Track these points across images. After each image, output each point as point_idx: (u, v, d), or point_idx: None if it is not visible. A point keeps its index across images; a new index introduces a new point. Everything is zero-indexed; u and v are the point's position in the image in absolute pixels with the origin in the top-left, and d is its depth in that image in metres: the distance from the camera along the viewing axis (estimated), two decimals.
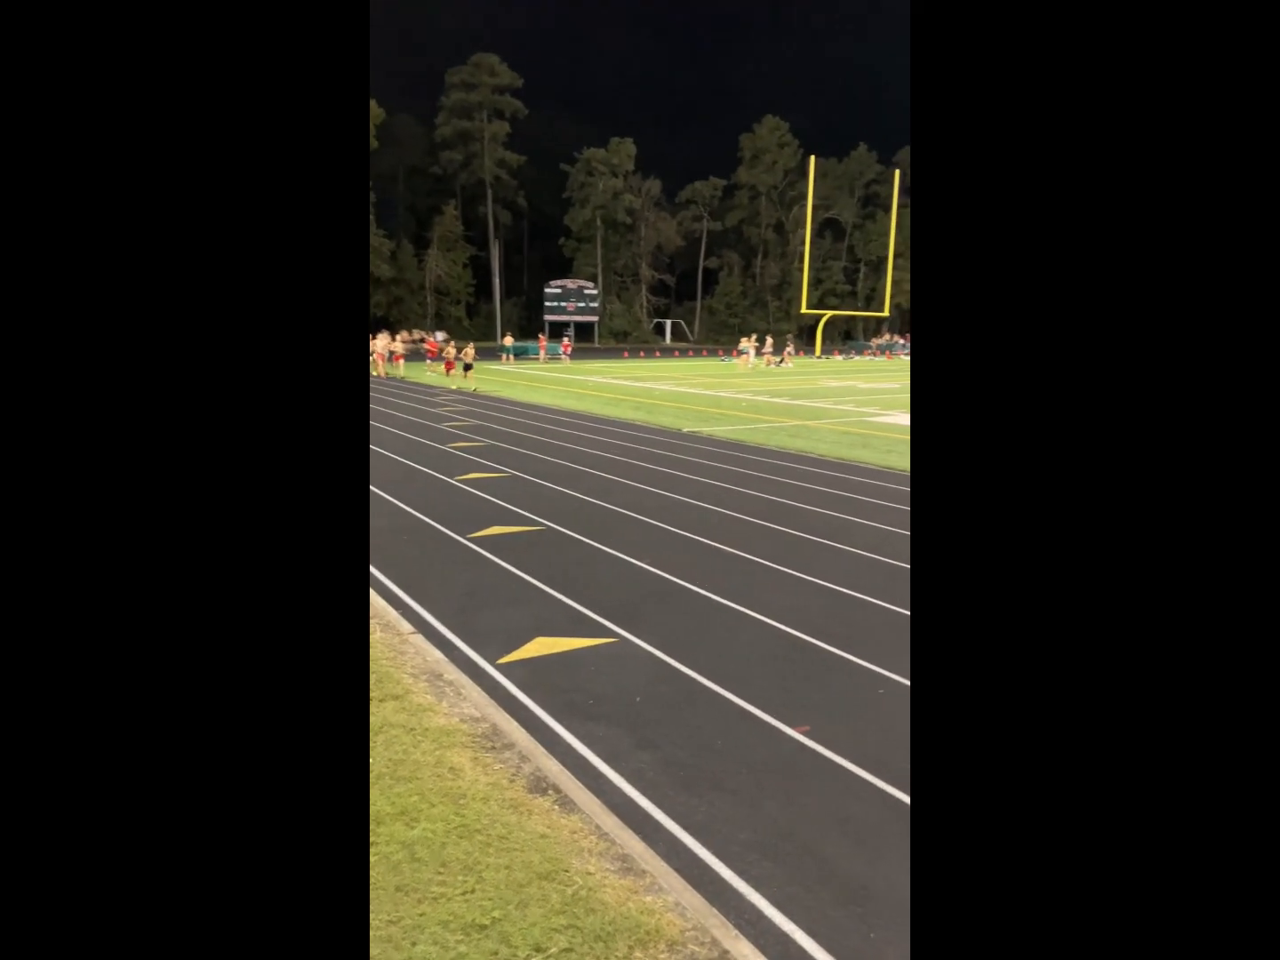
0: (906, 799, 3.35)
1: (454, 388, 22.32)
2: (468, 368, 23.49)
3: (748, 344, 35.86)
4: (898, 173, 50.79)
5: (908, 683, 4.44)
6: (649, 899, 2.71)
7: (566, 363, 18.82)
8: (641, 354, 43.67)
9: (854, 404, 19.89)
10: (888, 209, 51.86)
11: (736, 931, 2.59)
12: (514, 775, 3.46)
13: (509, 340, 36.14)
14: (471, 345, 25.51)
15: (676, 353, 47.55)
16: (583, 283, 53.95)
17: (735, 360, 36.88)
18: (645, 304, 61.65)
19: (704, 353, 48.33)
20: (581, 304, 52.75)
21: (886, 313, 50.91)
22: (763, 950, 2.52)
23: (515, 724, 3.92)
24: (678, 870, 2.89)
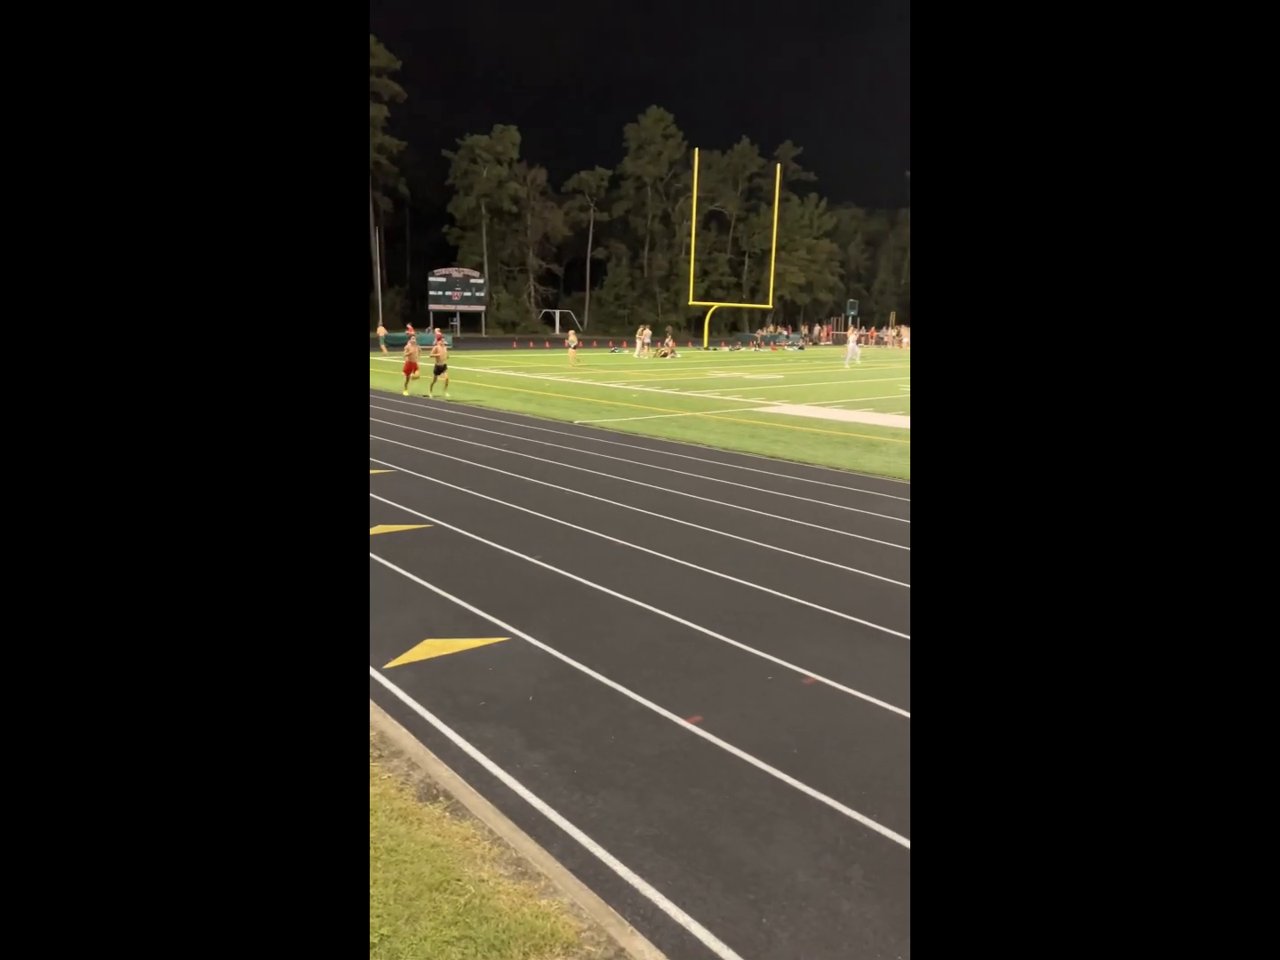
0: (795, 783, 3.44)
1: (407, 395, 17.83)
2: (440, 369, 17.94)
3: (643, 334, 36.24)
4: (779, 167, 52.04)
5: (796, 668, 4.56)
6: (544, 902, 2.68)
7: (443, 353, 17.77)
8: (531, 344, 43.23)
9: (741, 395, 20.29)
10: (770, 202, 53.04)
11: (632, 928, 2.60)
12: (403, 783, 3.36)
13: (382, 331, 35.09)
14: (441, 341, 18.99)
15: (566, 343, 47.32)
16: (468, 272, 52.89)
17: (631, 351, 37.04)
18: (533, 294, 61.03)
19: (594, 344, 48.29)
20: (467, 294, 51.71)
21: (771, 305, 52.13)
22: (658, 945, 2.54)
23: (404, 730, 3.81)
24: (573, 870, 2.87)
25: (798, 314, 70.60)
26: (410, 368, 18.44)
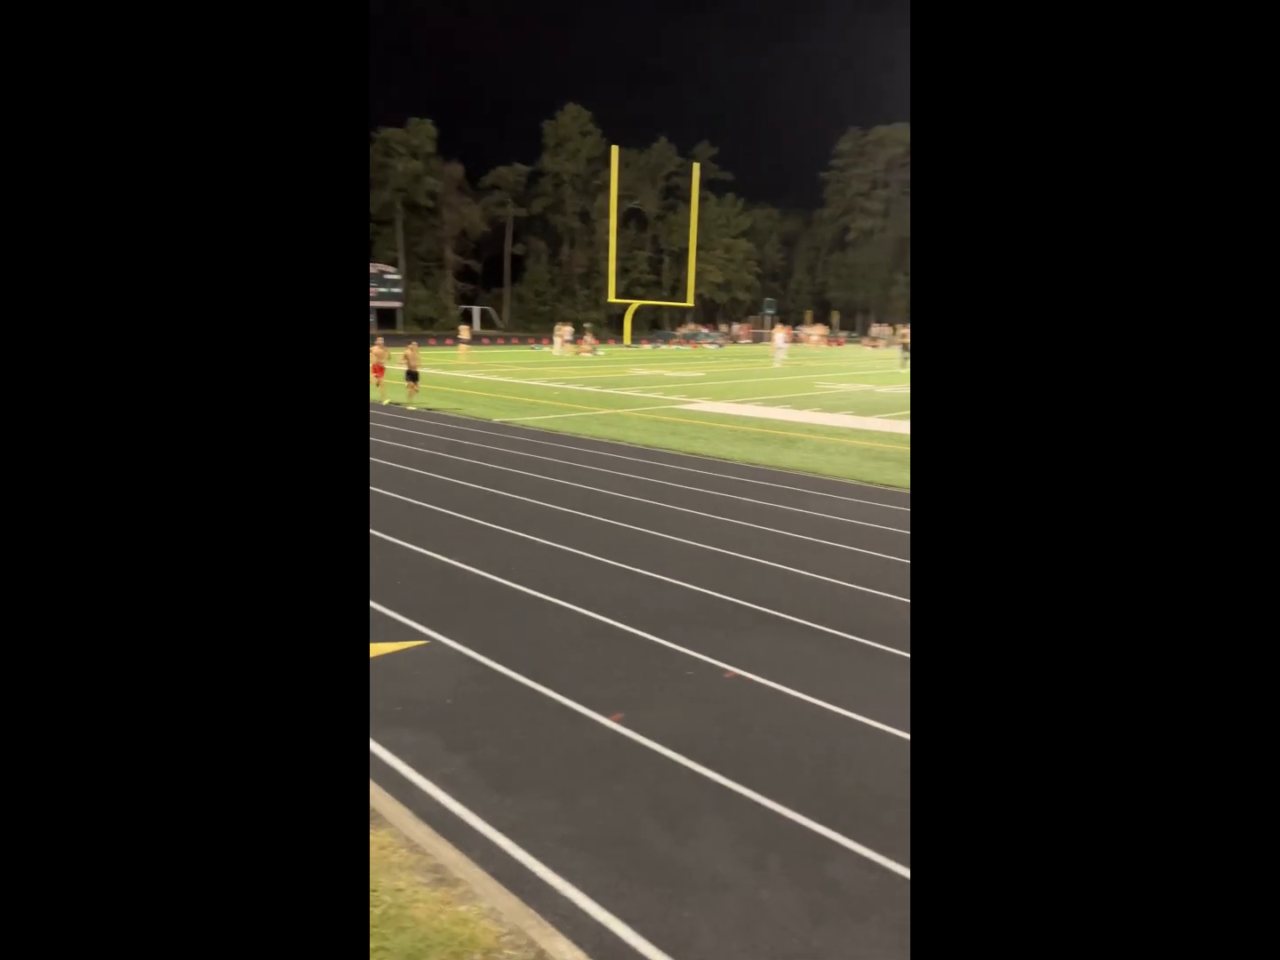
0: (715, 776, 3.48)
1: (387, 403, 16.15)
2: (413, 376, 16.22)
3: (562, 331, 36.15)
4: (697, 166, 52.48)
5: (717, 663, 4.61)
6: (463, 908, 2.64)
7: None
8: (449, 341, 42.57)
9: (662, 392, 20.41)
10: (688, 201, 53.45)
11: (553, 929, 2.58)
12: None
13: None
14: (414, 344, 17.00)
15: (485, 340, 46.74)
16: (384, 267, 51.68)
17: (551, 348, 36.85)
18: (451, 290, 60.09)
19: (514, 340, 47.83)
20: (383, 289, 50.52)
21: (690, 303, 52.55)
22: (579, 944, 2.53)
23: None
24: (493, 874, 2.84)
25: (717, 312, 71.41)
26: (377, 370, 16.73)
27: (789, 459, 11.21)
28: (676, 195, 65.78)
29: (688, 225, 52.67)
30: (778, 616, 5.36)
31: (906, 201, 76.79)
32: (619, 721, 3.92)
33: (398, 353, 16.81)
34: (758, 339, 60.94)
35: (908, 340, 32.48)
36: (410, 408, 15.78)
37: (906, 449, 12.34)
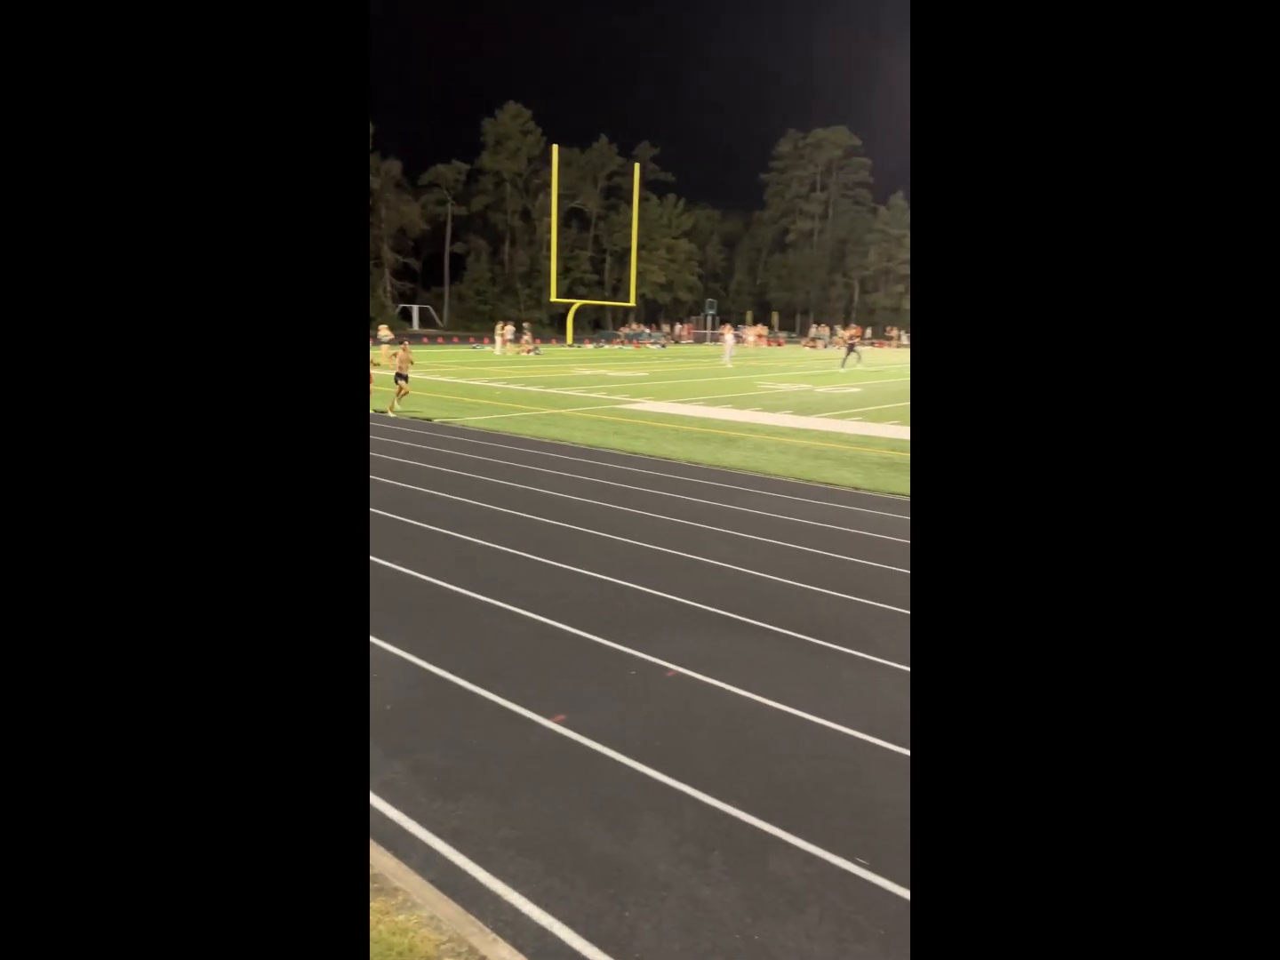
0: (657, 775, 3.48)
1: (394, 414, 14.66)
2: (401, 378, 14.94)
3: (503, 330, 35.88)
4: (638, 166, 52.59)
5: (658, 661, 4.62)
6: (401, 917, 2.60)
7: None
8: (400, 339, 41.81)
9: (605, 392, 20.39)
10: (630, 201, 53.54)
11: (494, 935, 2.56)
12: None
13: None
14: (406, 344, 15.67)
15: (425, 339, 46.10)
16: None
17: (493, 348, 36.54)
18: (389, 289, 59.12)
19: (454, 340, 47.29)
20: None
21: (633, 302, 52.67)
22: (520, 949, 2.51)
23: None
24: (432, 882, 2.80)
25: (659, 312, 71.67)
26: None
27: (731, 458, 11.31)
28: (618, 195, 65.82)
29: (629, 225, 52.78)
30: (719, 614, 5.40)
31: (845, 204, 78.16)
32: (561, 723, 3.90)
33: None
34: (700, 339, 61.30)
35: (851, 340, 32.94)
36: (391, 414, 14.55)
37: (844, 447, 12.56)
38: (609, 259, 67.15)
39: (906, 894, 2.77)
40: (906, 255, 74.92)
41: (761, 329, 62.13)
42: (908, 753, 3.69)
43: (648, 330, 58.93)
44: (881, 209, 76.63)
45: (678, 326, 65.10)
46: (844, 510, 8.51)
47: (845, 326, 61.29)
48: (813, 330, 64.86)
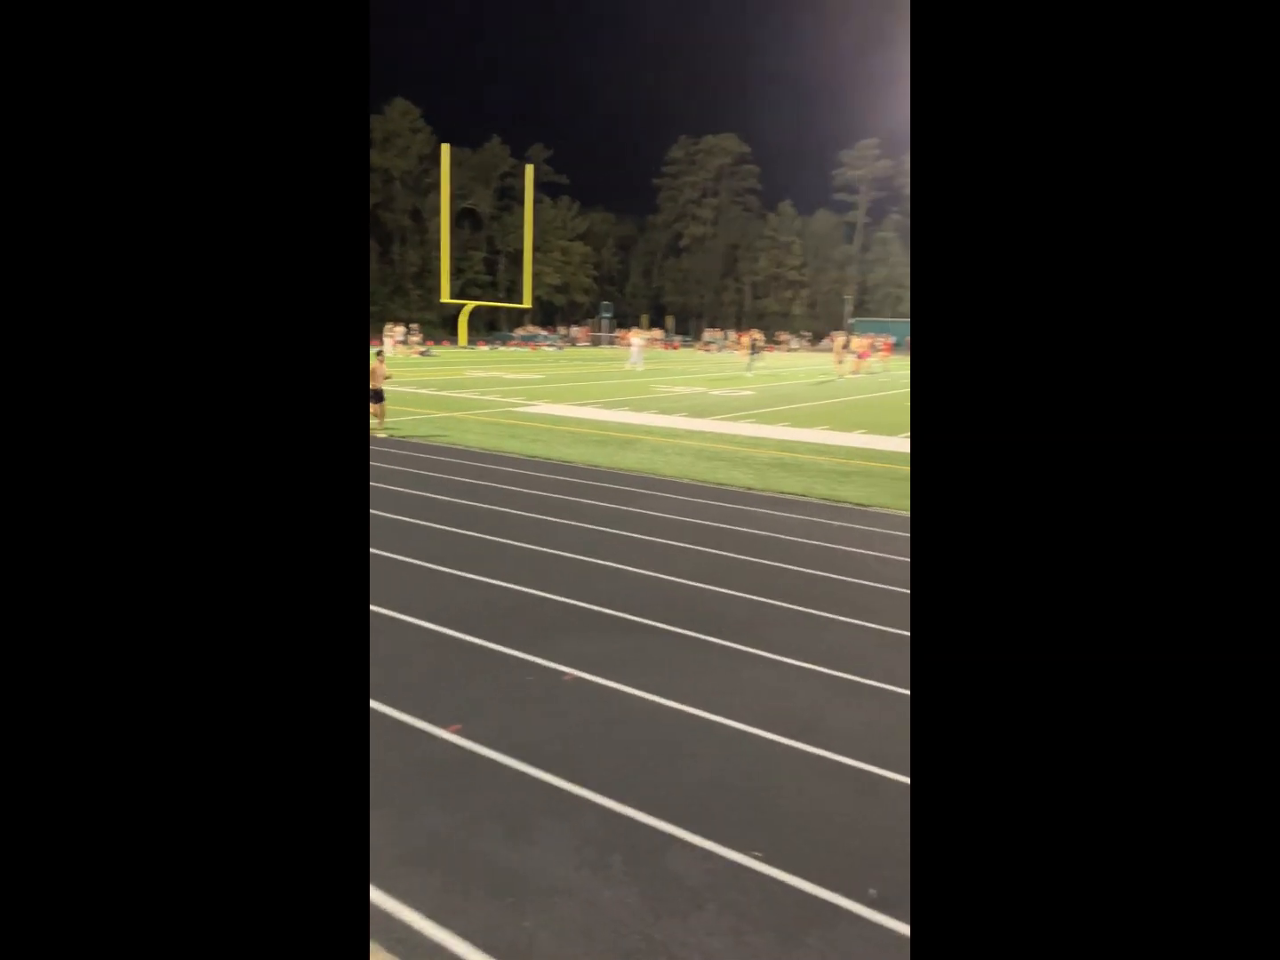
0: (555, 780, 3.46)
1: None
2: (377, 398, 12.91)
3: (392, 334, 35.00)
4: (530, 167, 52.22)
5: (555, 666, 4.59)
6: None
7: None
8: None
9: (500, 395, 20.15)
10: (523, 202, 53.10)
11: (385, 953, 2.48)
12: None
13: None
14: (381, 355, 13.78)
15: None
16: None
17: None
18: None
19: None
20: None
21: (528, 304, 52.24)
22: None
23: None
24: None
25: (555, 314, 71.39)
26: None
27: (627, 460, 11.36)
28: (511, 196, 65.25)
29: (523, 226, 52.35)
30: (617, 616, 5.41)
31: (735, 210, 79.86)
32: (457, 733, 3.82)
33: None
34: (596, 341, 61.36)
35: (753, 344, 33.48)
36: (381, 434, 12.68)
37: (737, 448, 12.82)
38: (503, 260, 66.46)
39: (801, 883, 2.84)
40: (796, 261, 77.28)
41: (657, 332, 62.71)
42: (804, 746, 3.79)
43: (543, 332, 58.60)
44: (771, 215, 78.70)
45: (574, 329, 64.98)
46: (737, 510, 8.68)
47: (739, 330, 62.64)
48: (707, 334, 65.96)
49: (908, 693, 4.34)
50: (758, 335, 34.89)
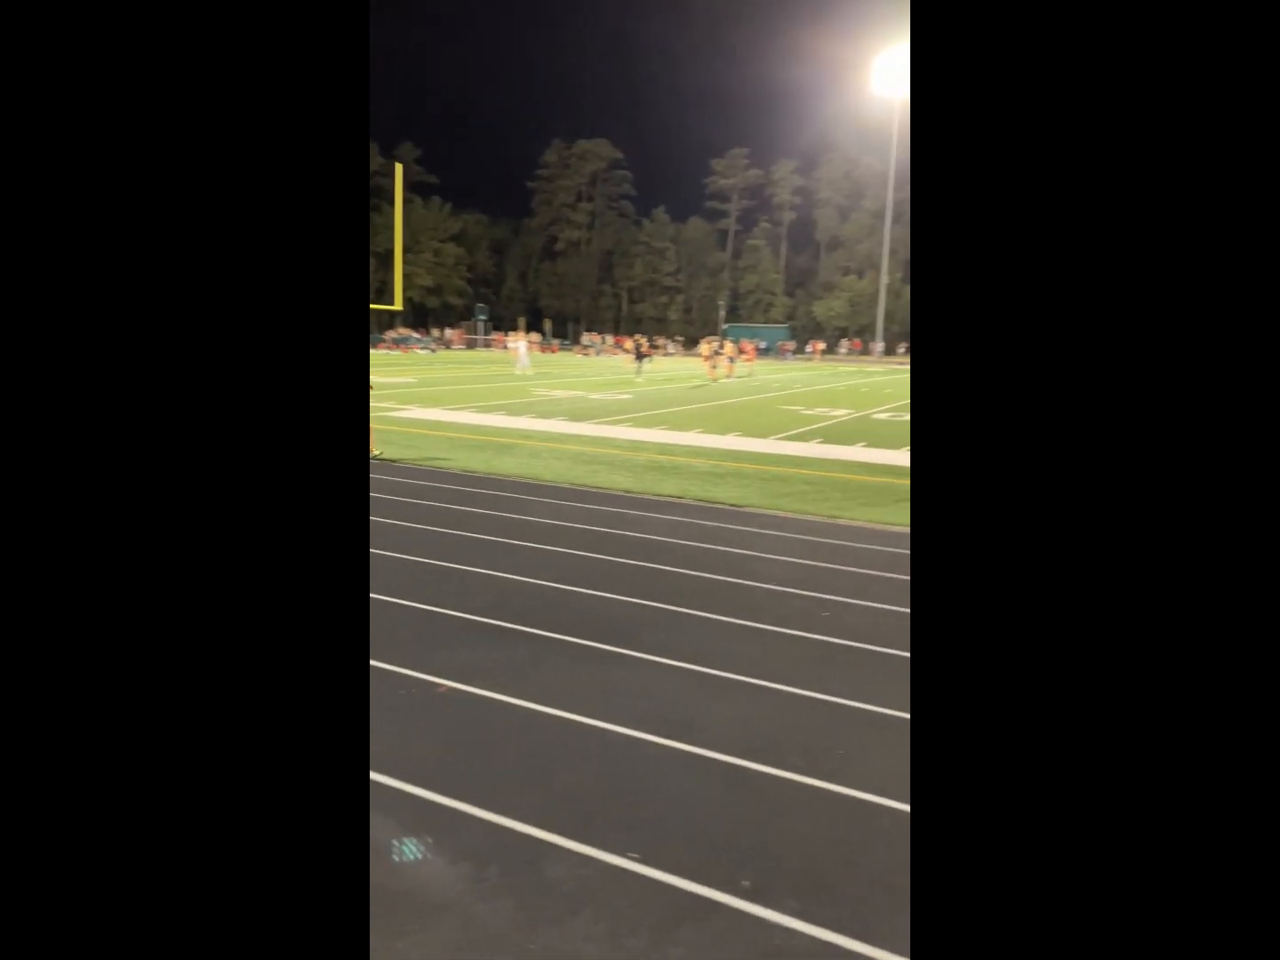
0: (431, 795, 3.38)
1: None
2: None
3: None
4: (400, 166, 50.96)
5: (429, 678, 4.49)
6: None
7: None
8: None
9: (371, 399, 19.53)
10: (393, 202, 51.75)
11: None
12: None
13: None
14: None
15: None
16: None
17: None
18: None
19: None
20: None
21: (399, 306, 50.86)
22: None
23: None
24: None
25: (428, 317, 69.82)
26: None
27: (505, 465, 11.23)
28: (380, 196, 63.37)
29: (393, 227, 51.00)
30: (492, 624, 5.34)
31: (610, 215, 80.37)
32: None
33: None
34: (471, 344, 60.40)
35: (637, 348, 33.54)
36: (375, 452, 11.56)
37: (615, 452, 12.90)
38: (373, 261, 64.45)
39: (676, 880, 2.89)
40: (671, 267, 78.47)
41: (535, 336, 62.33)
42: (679, 745, 3.85)
43: (416, 335, 57.18)
44: (645, 221, 79.65)
45: (448, 331, 63.73)
46: (615, 513, 8.74)
47: (616, 334, 63.01)
48: (585, 338, 66.09)
49: (780, 687, 4.49)
50: (642, 340, 35.21)
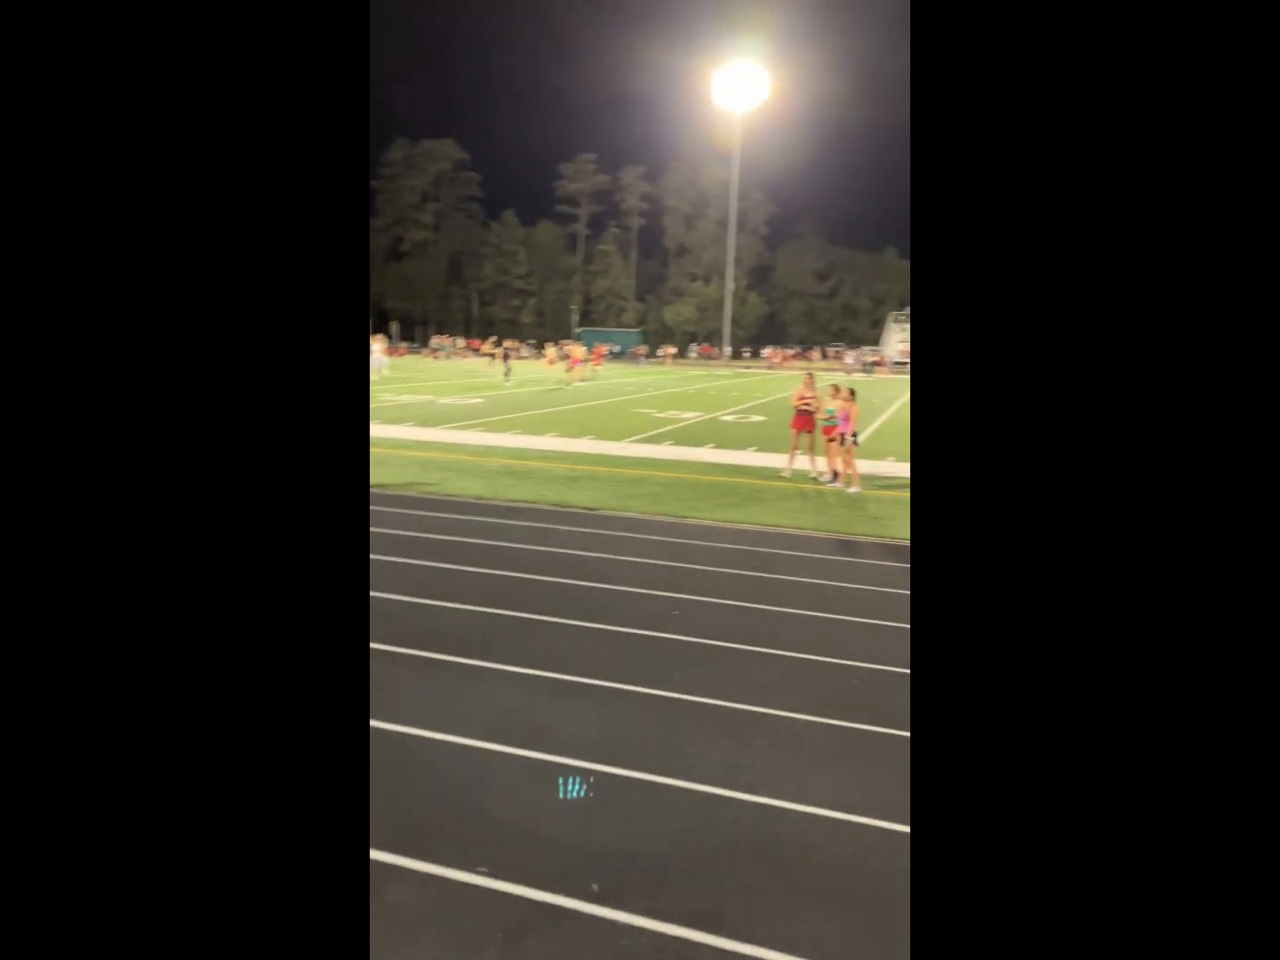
0: None
1: None
2: None
3: None
4: None
5: None
6: None
7: None
8: None
9: None
10: None
11: None
12: None
13: None
14: None
15: None
16: None
17: None
18: None
19: None
20: None
21: None
22: None
23: None
24: None
25: None
26: None
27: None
28: None
29: None
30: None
31: (458, 217, 78.86)
32: None
33: None
34: None
35: (506, 352, 32.72)
36: None
37: (466, 458, 12.66)
38: None
39: (525, 890, 2.85)
40: (521, 270, 77.89)
41: (382, 339, 60.22)
42: (529, 753, 3.81)
43: None
44: (494, 224, 78.69)
45: None
46: (466, 521, 8.57)
47: (468, 338, 61.83)
48: (434, 340, 64.50)
49: (631, 688, 4.53)
50: (510, 343, 34.63)
